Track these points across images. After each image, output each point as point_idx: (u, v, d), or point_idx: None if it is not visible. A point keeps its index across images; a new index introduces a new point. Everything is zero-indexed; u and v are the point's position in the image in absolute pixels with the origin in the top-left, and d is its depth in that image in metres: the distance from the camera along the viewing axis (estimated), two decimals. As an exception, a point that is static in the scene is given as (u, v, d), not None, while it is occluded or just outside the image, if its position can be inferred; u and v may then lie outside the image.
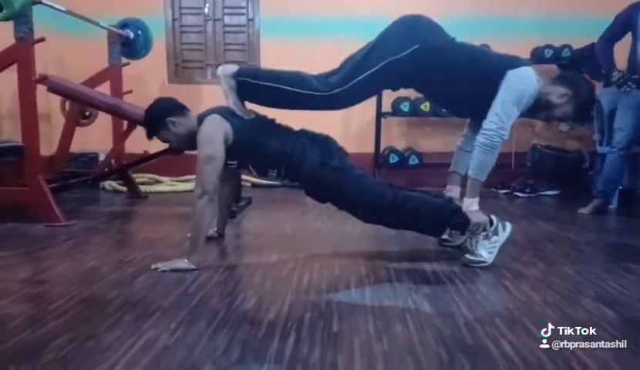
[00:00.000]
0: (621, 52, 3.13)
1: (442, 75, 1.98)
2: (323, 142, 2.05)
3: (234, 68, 1.99)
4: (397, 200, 2.00)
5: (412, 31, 1.96)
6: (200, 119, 1.98)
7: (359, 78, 1.92)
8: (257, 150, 1.99)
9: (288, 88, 1.95)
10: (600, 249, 2.40)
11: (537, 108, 2.01)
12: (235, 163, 2.03)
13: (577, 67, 4.09)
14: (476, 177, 1.96)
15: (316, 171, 1.98)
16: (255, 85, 1.96)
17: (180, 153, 3.13)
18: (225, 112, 1.97)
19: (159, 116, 2.02)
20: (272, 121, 2.09)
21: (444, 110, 3.86)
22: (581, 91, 2.01)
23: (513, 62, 1.97)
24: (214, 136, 1.90)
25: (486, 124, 1.92)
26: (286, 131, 2.07)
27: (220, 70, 2.00)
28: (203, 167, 1.87)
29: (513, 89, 1.90)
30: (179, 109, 2.06)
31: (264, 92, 1.98)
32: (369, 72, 1.92)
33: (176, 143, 2.08)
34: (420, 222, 2.08)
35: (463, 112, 2.34)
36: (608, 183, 3.19)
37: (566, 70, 4.24)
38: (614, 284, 1.78)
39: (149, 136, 2.06)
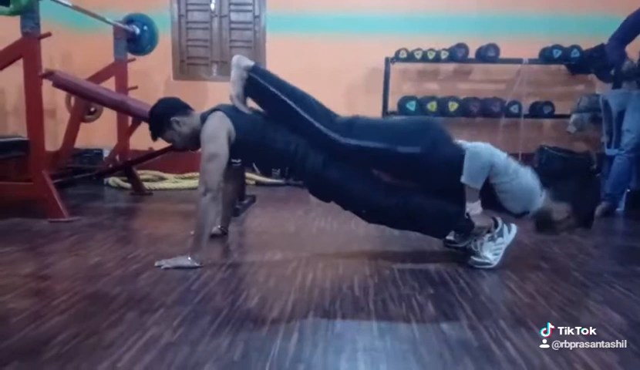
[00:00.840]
0: (631, 53, 3.10)
1: (442, 180, 1.96)
2: None
3: (250, 62, 1.99)
4: (401, 201, 1.99)
5: (421, 132, 1.95)
6: (204, 117, 1.98)
7: (359, 143, 1.92)
8: (261, 149, 1.99)
9: (293, 105, 1.95)
10: (607, 252, 2.38)
11: (542, 224, 2.00)
12: (239, 161, 2.02)
13: (586, 68, 4.08)
14: (470, 185, 1.92)
15: (319, 170, 1.98)
16: (263, 87, 1.96)
17: (184, 151, 3.13)
18: (228, 110, 1.97)
19: (163, 116, 2.02)
20: (273, 119, 2.08)
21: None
22: (582, 206, 1.96)
23: None
24: (217, 133, 1.89)
25: (481, 148, 1.90)
26: (289, 129, 2.07)
27: (236, 59, 1.99)
28: (207, 165, 1.86)
29: (518, 179, 1.88)
30: (182, 108, 2.06)
31: (269, 98, 1.98)
32: (371, 144, 1.92)
33: (181, 143, 2.08)
34: (424, 223, 2.07)
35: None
36: (615, 185, 3.16)
37: (574, 71, 4.23)
38: (621, 287, 1.76)
39: (154, 137, 2.06)
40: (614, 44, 3.10)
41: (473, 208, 1.95)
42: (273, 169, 2.04)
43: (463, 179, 1.94)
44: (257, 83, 1.97)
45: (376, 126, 2.03)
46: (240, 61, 1.98)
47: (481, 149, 1.89)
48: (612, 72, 3.19)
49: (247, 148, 1.97)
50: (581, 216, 1.98)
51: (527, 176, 1.92)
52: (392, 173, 2.07)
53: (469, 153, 1.88)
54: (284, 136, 2.00)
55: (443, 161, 1.92)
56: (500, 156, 1.90)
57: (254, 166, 2.06)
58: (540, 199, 1.92)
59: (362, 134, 1.94)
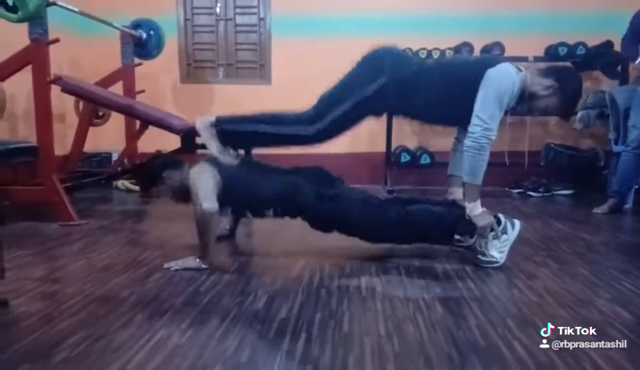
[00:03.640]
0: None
1: (418, 99, 1.98)
2: (316, 175, 2.09)
3: (212, 118, 2.03)
4: (400, 218, 2.00)
5: (378, 66, 1.98)
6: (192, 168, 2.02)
7: (335, 114, 1.96)
8: (250, 195, 2.03)
9: (270, 130, 1.99)
10: (615, 249, 2.36)
11: (520, 99, 1.95)
12: (230, 209, 2.09)
13: (592, 64, 4.05)
14: (471, 182, 1.92)
15: (313, 205, 2.01)
16: (234, 131, 2.01)
17: (192, 153, 3.15)
18: (214, 161, 2.01)
19: (155, 170, 2.10)
20: (259, 162, 2.15)
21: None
22: (567, 84, 1.94)
23: (491, 61, 1.95)
24: (203, 184, 1.91)
25: (470, 127, 1.88)
26: (277, 171, 2.11)
27: (199, 123, 2.04)
28: (201, 218, 1.87)
29: (492, 89, 1.86)
30: (174, 163, 2.12)
31: (243, 136, 2.04)
32: (343, 107, 1.95)
33: (172, 197, 2.13)
34: (427, 235, 2.08)
35: (454, 123, 2.21)
36: (623, 182, 3.14)
37: (580, 68, 4.20)
38: (629, 285, 1.75)
39: (143, 189, 2.12)
40: (627, 44, 3.07)
41: (473, 208, 1.94)
42: (266, 211, 2.07)
43: (464, 178, 1.94)
44: (227, 131, 2.01)
45: (336, 91, 2.01)
46: (203, 122, 2.03)
47: (487, 143, 1.86)
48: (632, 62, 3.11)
49: (236, 195, 1.99)
50: (563, 98, 1.93)
51: (501, 76, 1.89)
52: (387, 113, 2.09)
53: (472, 150, 1.87)
54: (271, 178, 2.05)
55: (412, 75, 1.95)
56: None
57: (247, 212, 2.12)
58: (519, 76, 1.91)
59: (335, 104, 1.96)
